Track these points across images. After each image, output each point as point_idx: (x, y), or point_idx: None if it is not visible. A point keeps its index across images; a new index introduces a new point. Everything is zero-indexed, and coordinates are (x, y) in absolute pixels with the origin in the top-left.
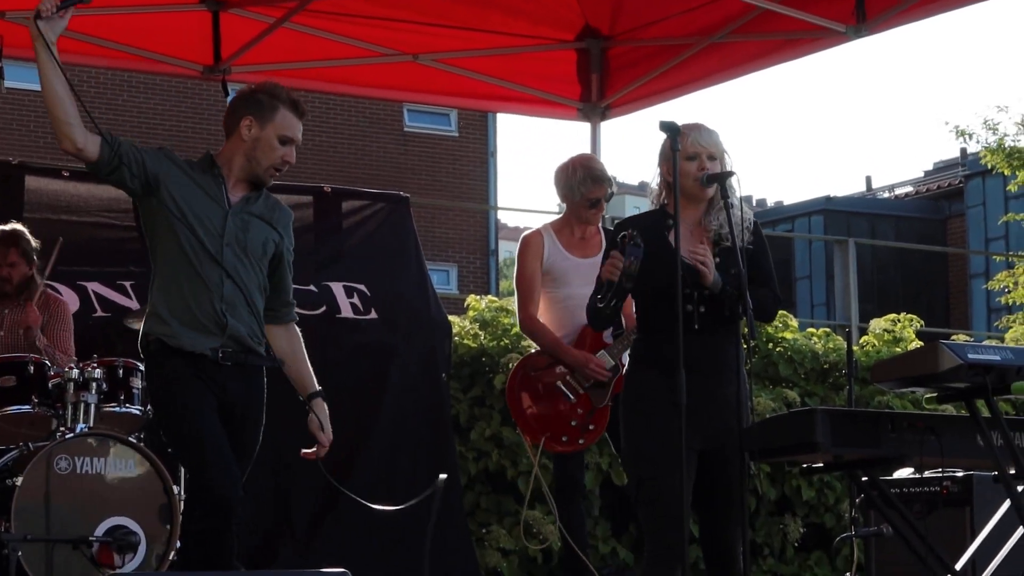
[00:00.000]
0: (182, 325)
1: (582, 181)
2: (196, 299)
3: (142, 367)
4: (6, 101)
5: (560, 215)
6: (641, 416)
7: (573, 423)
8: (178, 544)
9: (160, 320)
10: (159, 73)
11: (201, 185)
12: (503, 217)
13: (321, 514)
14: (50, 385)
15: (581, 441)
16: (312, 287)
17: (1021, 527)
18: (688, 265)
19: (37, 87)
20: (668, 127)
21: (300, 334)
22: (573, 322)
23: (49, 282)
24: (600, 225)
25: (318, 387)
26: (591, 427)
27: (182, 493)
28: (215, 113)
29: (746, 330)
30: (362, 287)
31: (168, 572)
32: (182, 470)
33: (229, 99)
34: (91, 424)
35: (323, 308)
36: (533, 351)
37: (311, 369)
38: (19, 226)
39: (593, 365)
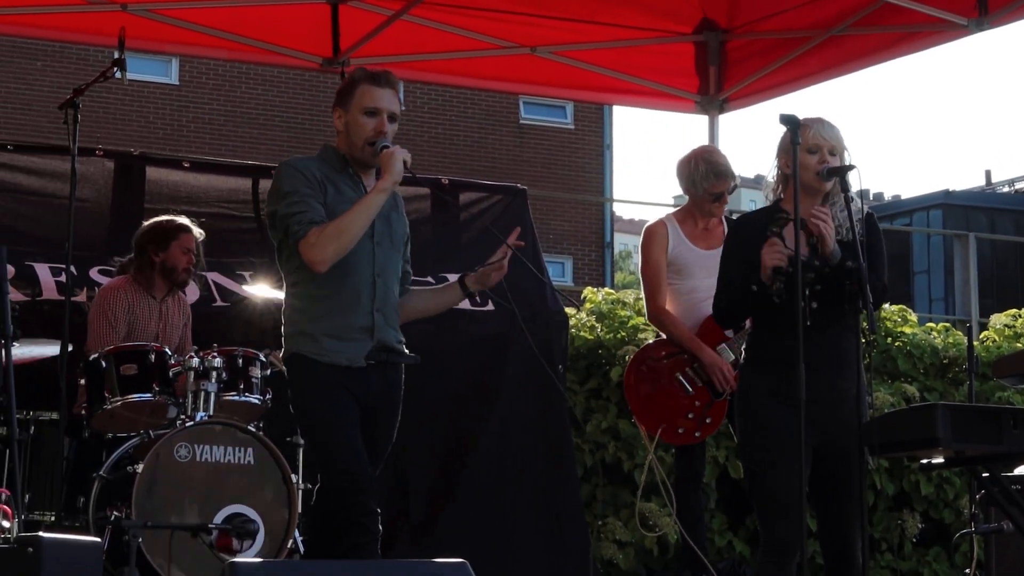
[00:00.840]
0: (332, 339)
1: (704, 176)
2: (346, 309)
3: (262, 356)
4: (127, 93)
5: (678, 207)
6: (754, 411)
7: (690, 415)
8: (299, 538)
9: (308, 338)
10: (278, 65)
11: (342, 190)
12: (618, 210)
13: (439, 503)
14: (171, 374)
15: (697, 433)
16: (430, 278)
17: None
18: (805, 261)
19: (157, 79)
20: (789, 120)
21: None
22: (696, 315)
23: None
24: (723, 217)
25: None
26: (708, 420)
27: (300, 482)
28: (332, 106)
29: (865, 324)
30: None
31: (287, 560)
32: (300, 458)
33: None
34: (211, 413)
35: None
36: (651, 341)
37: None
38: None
39: (725, 372)
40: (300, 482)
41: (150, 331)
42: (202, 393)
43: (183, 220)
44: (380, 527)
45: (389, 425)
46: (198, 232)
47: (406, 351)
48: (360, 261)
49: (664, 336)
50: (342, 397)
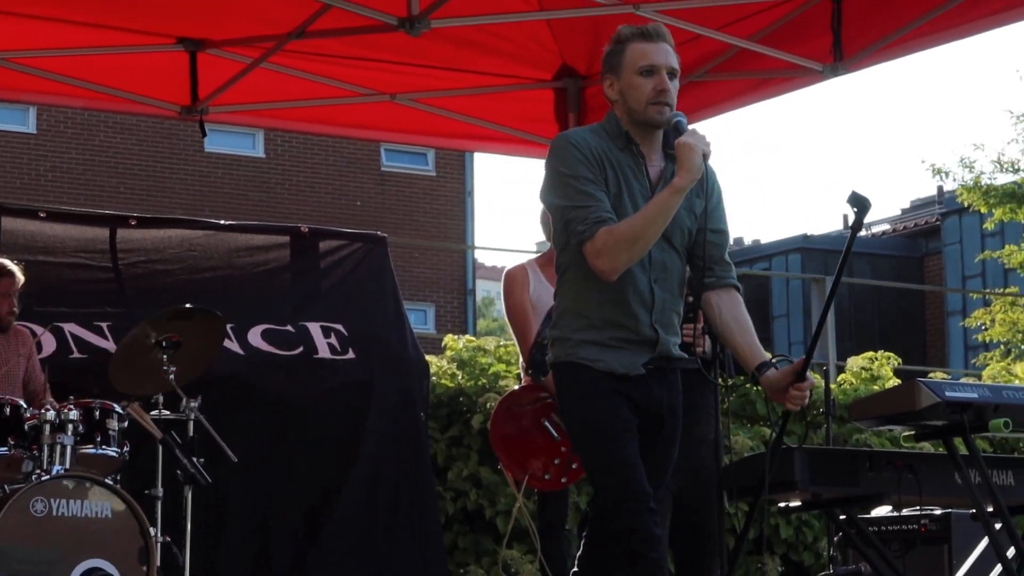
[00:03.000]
0: (608, 349)
1: None
2: (626, 319)
3: (118, 408)
4: None
5: (540, 254)
6: None
7: (556, 461)
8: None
9: (580, 344)
10: (137, 113)
11: (627, 178)
12: (480, 256)
13: (303, 555)
14: (26, 427)
15: (563, 479)
16: (289, 327)
17: (999, 565)
18: None
19: (13, 128)
20: (858, 201)
21: (742, 300)
22: None
23: (25, 324)
24: None
25: (766, 356)
26: (573, 466)
27: (159, 536)
28: (191, 154)
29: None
30: (339, 327)
31: None
32: (159, 511)
33: (205, 140)
34: (68, 466)
35: (301, 349)
36: (516, 387)
37: (757, 339)
38: (5, 260)
39: None
40: (159, 535)
41: None
42: (58, 446)
43: (3, 262)
44: (663, 554)
45: (672, 436)
46: (20, 276)
47: (684, 355)
48: (635, 266)
49: (528, 382)
50: (620, 407)
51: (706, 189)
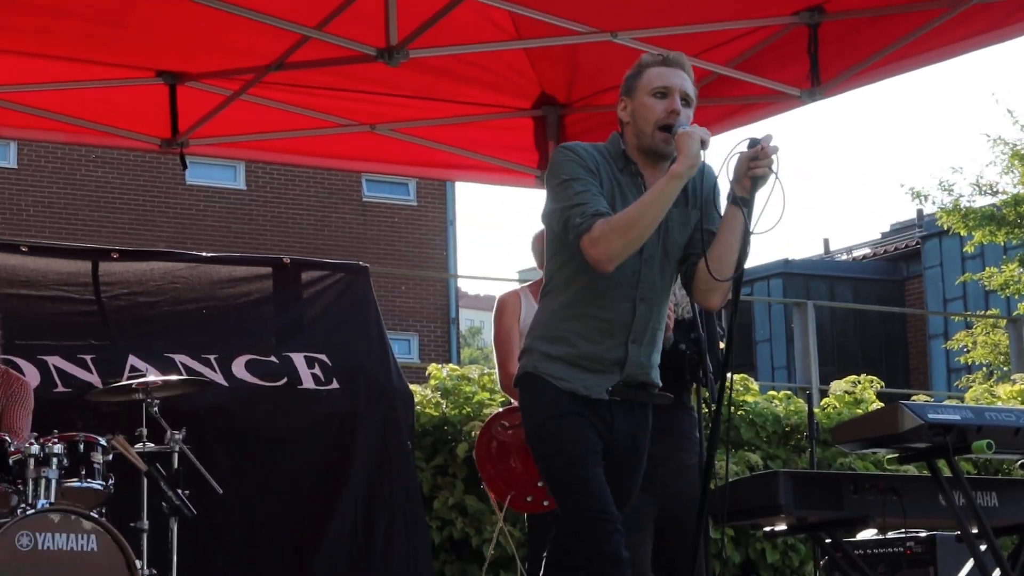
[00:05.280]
0: (575, 368)
1: None
2: (599, 336)
3: (103, 442)
4: None
5: (524, 282)
6: None
7: (540, 483)
8: None
9: (547, 358)
10: (117, 147)
11: (623, 191)
12: (463, 285)
13: None
14: (11, 461)
15: (546, 503)
16: (273, 358)
17: None
18: None
19: None
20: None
21: None
22: None
23: (9, 357)
24: None
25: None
26: None
27: (144, 568)
28: (173, 186)
29: (707, 394)
30: (323, 357)
31: None
32: (144, 544)
33: (187, 172)
34: (52, 500)
35: (284, 379)
36: (501, 410)
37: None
38: None
39: None
40: (145, 568)
41: None
42: (43, 480)
43: None
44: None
45: (632, 475)
46: None
47: (658, 387)
48: (622, 279)
49: (515, 404)
50: (585, 429)
51: (700, 194)
